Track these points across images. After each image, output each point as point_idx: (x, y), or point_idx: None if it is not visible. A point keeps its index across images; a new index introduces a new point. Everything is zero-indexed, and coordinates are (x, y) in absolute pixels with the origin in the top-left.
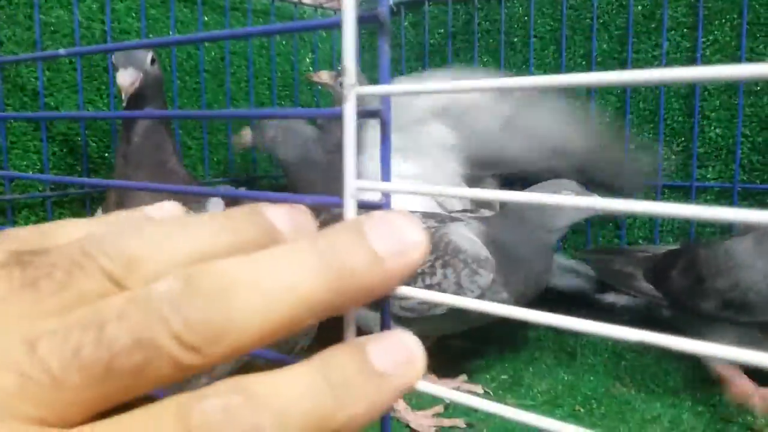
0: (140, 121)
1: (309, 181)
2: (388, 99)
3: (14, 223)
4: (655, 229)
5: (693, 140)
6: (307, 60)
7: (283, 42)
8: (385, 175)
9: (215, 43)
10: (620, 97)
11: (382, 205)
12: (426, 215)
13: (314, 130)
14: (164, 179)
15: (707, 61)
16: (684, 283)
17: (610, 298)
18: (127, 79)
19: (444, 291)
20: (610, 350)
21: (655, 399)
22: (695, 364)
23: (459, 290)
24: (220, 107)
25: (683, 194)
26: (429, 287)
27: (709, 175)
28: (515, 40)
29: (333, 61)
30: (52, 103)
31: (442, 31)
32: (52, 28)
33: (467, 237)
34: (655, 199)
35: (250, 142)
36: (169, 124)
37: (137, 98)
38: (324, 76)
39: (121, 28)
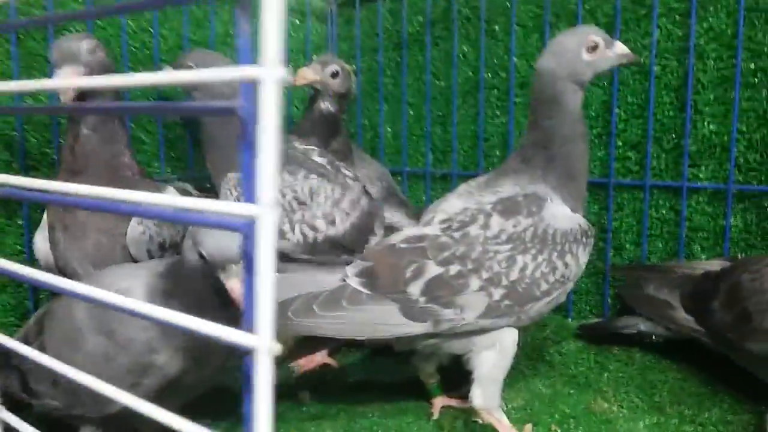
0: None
1: None
2: (251, 89)
3: None
4: (643, 234)
5: (684, 137)
6: None
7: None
8: (249, 193)
9: (173, 31)
10: (606, 90)
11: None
12: None
13: None
14: (117, 175)
15: (701, 51)
16: (727, 319)
17: (630, 321)
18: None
19: None
20: (593, 360)
21: (638, 417)
22: (684, 376)
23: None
24: (177, 100)
25: (673, 195)
26: None
27: (701, 175)
28: (496, 28)
29: (307, 52)
30: None
31: (421, 19)
32: None
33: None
34: (642, 201)
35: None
36: (121, 116)
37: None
38: (308, 74)
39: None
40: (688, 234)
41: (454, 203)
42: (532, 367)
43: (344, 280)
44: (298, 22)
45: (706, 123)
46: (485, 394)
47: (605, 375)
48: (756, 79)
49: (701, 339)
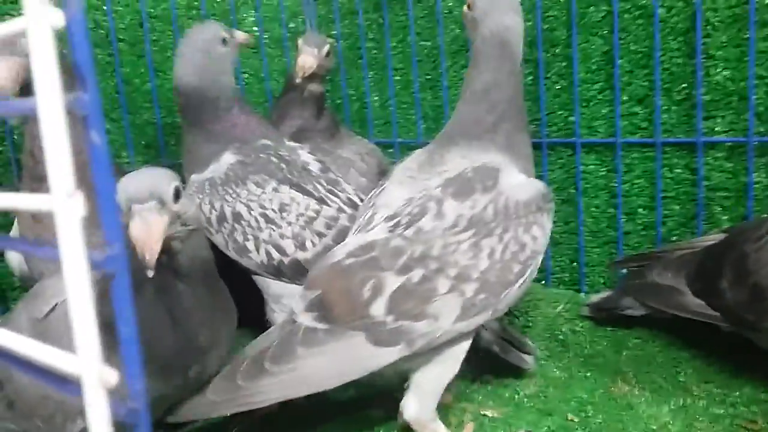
0: None
1: None
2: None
3: None
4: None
5: (696, 86)
6: (251, 19)
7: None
8: (111, 231)
9: (130, 7)
10: (607, 39)
11: None
12: None
13: None
14: (85, 176)
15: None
16: (740, 298)
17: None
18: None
19: None
20: (610, 337)
21: (662, 400)
22: (710, 351)
23: None
24: (143, 82)
25: (688, 152)
26: None
27: (718, 128)
28: None
29: (281, 19)
30: None
31: None
32: None
33: None
34: (654, 160)
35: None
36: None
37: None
38: (309, 62)
39: None
40: (706, 194)
41: (395, 194)
42: (545, 348)
43: (293, 320)
44: None
45: (719, 69)
46: (421, 406)
47: (624, 354)
48: None
49: (720, 325)
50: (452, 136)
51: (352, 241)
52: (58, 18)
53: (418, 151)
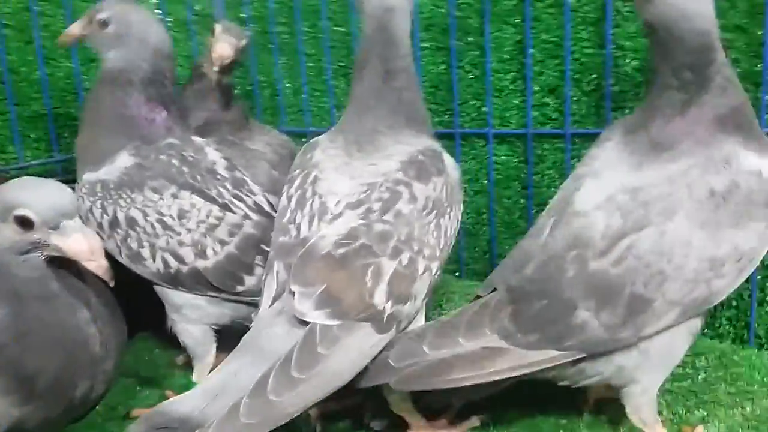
0: None
1: None
2: None
3: None
4: None
5: (606, 77)
6: (152, 1)
7: None
8: None
9: None
10: (519, 28)
11: None
12: None
13: None
14: None
15: None
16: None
17: None
18: None
19: None
20: None
21: None
22: None
23: None
24: (31, 71)
25: None
26: None
27: None
28: None
29: (187, 1)
30: None
31: None
32: None
33: None
34: (564, 151)
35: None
36: None
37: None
38: (227, 52)
39: None
40: None
41: (340, 181)
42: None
43: (302, 322)
44: None
45: (628, 59)
46: None
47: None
48: None
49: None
50: (373, 122)
51: (329, 231)
52: None
53: (328, 138)
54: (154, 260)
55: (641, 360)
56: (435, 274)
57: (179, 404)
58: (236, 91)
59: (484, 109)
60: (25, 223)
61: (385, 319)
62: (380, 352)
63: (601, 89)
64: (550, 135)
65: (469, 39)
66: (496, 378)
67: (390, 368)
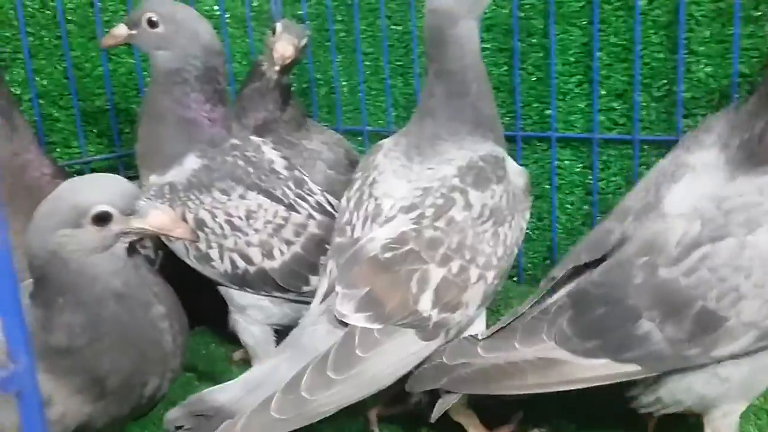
0: None
1: None
2: None
3: None
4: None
5: (677, 82)
6: None
7: None
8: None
9: None
10: (586, 30)
11: None
12: None
13: None
14: (23, 178)
15: None
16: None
17: None
18: None
19: None
20: None
21: None
22: None
23: None
24: (95, 67)
25: (666, 150)
26: None
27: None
28: None
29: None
30: None
31: None
32: None
33: None
34: (631, 157)
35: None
36: (10, 99)
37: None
38: (289, 51)
39: None
40: None
41: (397, 184)
42: None
43: (342, 323)
44: None
45: (701, 65)
46: None
47: None
48: (758, 12)
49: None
50: (436, 126)
51: (379, 235)
52: None
53: (392, 141)
54: (222, 261)
55: (722, 389)
56: (492, 283)
57: (218, 393)
58: (293, 89)
59: (547, 112)
60: (104, 218)
61: (431, 326)
62: (427, 358)
63: (671, 95)
64: (617, 141)
65: (533, 40)
66: (549, 390)
67: (442, 368)
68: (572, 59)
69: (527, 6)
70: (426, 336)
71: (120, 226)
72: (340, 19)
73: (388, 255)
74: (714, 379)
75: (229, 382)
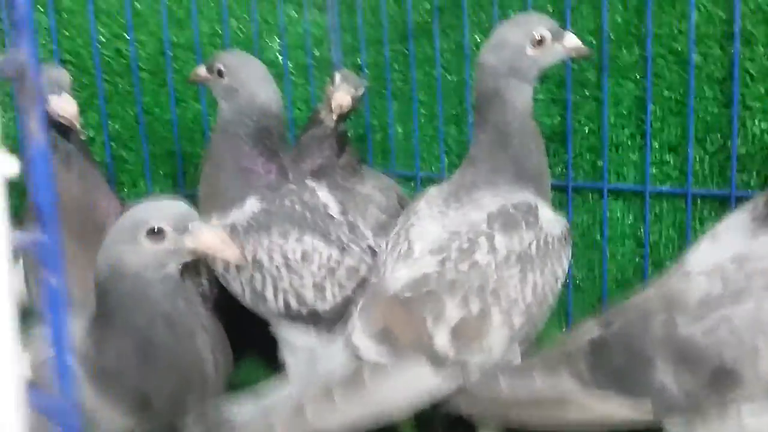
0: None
1: None
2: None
3: None
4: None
5: (732, 137)
6: (275, 47)
7: (241, 28)
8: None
9: (153, 35)
10: (639, 84)
11: None
12: None
13: None
14: (93, 220)
15: (748, 35)
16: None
17: None
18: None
19: None
20: None
21: None
22: None
23: None
24: (163, 112)
25: (720, 204)
26: None
27: (752, 182)
28: (511, 14)
29: (306, 47)
30: None
31: (428, 6)
32: None
33: None
34: (684, 211)
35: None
36: (84, 141)
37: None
38: (346, 101)
39: None
40: None
41: (429, 228)
42: None
43: (356, 355)
44: (294, 13)
45: (756, 121)
46: None
47: None
48: None
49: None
50: (477, 175)
51: (402, 275)
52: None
53: (437, 188)
54: (276, 301)
55: None
56: (521, 329)
57: (236, 409)
58: (349, 135)
59: (599, 163)
60: (157, 234)
61: (448, 364)
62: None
63: (726, 150)
64: (669, 194)
65: (586, 92)
66: (569, 428)
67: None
68: (625, 111)
69: (581, 59)
70: (442, 373)
71: (173, 244)
72: (397, 68)
73: (408, 294)
74: (735, 428)
75: (248, 401)
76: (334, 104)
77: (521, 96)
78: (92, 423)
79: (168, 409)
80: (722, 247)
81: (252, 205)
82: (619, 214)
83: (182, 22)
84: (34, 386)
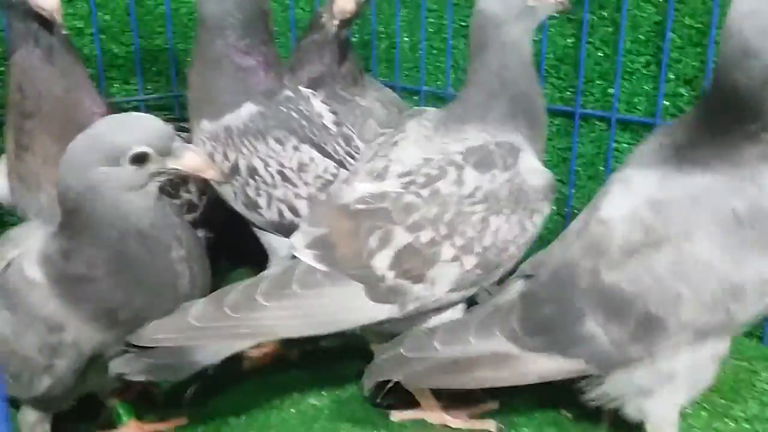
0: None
1: None
2: None
3: None
4: None
5: None
6: None
7: None
8: None
9: None
10: (660, 8)
11: None
12: None
13: None
14: (75, 116)
15: None
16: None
17: None
18: None
19: None
20: None
21: None
22: None
23: None
24: (157, 4)
25: None
26: None
27: None
28: None
29: None
30: None
31: None
32: None
33: None
34: None
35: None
36: (67, 39)
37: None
38: (348, 6)
39: None
40: None
41: (410, 151)
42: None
43: (293, 255)
44: None
45: None
46: None
47: None
48: None
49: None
50: (469, 109)
51: (362, 187)
52: None
53: (432, 112)
54: (269, 209)
55: (661, 382)
56: (471, 271)
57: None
58: (353, 42)
59: (610, 91)
60: (142, 159)
61: (383, 287)
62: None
63: None
64: None
65: (604, 13)
66: (503, 385)
67: (400, 360)
68: (642, 37)
69: None
70: (376, 297)
71: (156, 166)
72: None
73: (359, 206)
74: (655, 373)
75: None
76: (336, 9)
77: (521, 43)
78: (58, 332)
79: (138, 323)
80: (634, 193)
81: (249, 108)
82: (625, 146)
83: None
84: None
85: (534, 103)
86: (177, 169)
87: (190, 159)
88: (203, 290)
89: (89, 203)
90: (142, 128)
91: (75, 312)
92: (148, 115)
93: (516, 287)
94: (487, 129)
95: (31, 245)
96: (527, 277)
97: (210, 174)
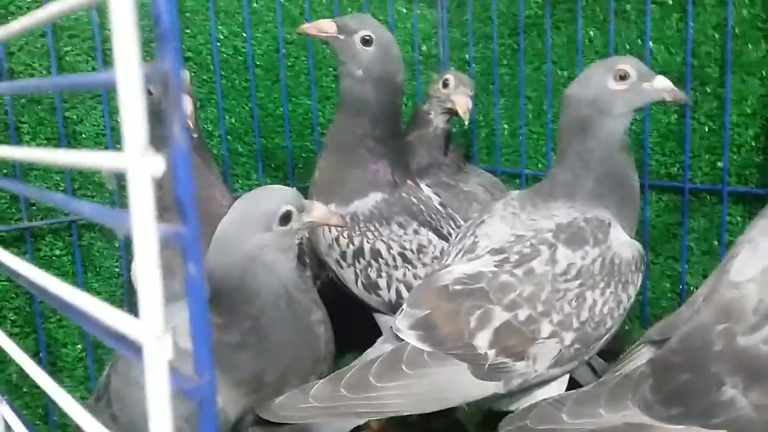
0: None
1: None
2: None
3: (36, 252)
4: None
5: None
6: None
7: None
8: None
9: (268, 33)
10: (765, 81)
11: None
12: None
13: None
14: (209, 212)
15: None
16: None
17: None
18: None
19: None
20: None
21: None
22: None
23: None
24: (276, 107)
25: None
26: None
27: None
28: (627, 7)
29: (414, 42)
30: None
31: (540, 0)
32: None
33: None
34: None
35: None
36: (202, 136)
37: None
38: (468, 102)
39: None
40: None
41: (499, 228)
42: None
43: (397, 337)
44: (404, 10)
45: None
46: None
47: None
48: None
49: None
50: (558, 187)
51: (458, 268)
52: (157, 165)
53: (518, 192)
54: (389, 290)
55: None
56: (571, 346)
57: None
58: (454, 131)
59: (719, 164)
60: (287, 218)
61: (486, 366)
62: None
63: None
64: None
65: (707, 89)
66: None
67: (526, 430)
68: (749, 111)
69: (702, 55)
70: (480, 375)
71: (297, 223)
72: (505, 63)
73: (457, 287)
74: None
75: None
76: (460, 110)
77: (604, 129)
78: (217, 408)
79: (281, 385)
80: (764, 252)
81: (374, 196)
82: (739, 219)
83: (296, 19)
84: (174, 370)
85: (624, 182)
86: (312, 221)
87: (319, 210)
88: (332, 353)
89: (250, 273)
90: (279, 193)
91: (223, 378)
92: (276, 185)
93: (643, 354)
94: (575, 206)
95: (180, 320)
96: (654, 342)
97: (334, 221)
